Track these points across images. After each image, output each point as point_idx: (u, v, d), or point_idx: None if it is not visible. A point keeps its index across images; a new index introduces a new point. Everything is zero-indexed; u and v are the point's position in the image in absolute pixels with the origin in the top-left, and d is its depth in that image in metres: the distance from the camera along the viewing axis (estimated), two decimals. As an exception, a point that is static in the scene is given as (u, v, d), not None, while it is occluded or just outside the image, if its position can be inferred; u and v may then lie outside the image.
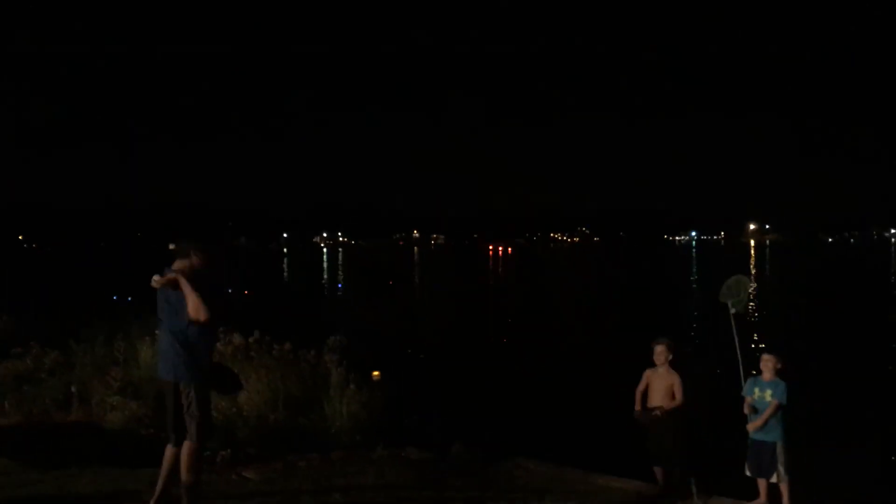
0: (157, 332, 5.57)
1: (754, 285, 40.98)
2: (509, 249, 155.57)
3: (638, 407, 7.03)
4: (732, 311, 7.02)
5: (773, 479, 6.47)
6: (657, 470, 7.01)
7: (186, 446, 5.27)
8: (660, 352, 6.98)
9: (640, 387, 7.07)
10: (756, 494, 6.58)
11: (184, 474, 5.25)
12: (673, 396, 6.87)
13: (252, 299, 32.71)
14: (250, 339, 9.49)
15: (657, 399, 6.94)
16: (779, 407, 6.49)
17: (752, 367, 6.90)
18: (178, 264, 5.41)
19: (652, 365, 7.08)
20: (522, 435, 9.70)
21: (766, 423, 6.50)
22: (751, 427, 6.60)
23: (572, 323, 26.41)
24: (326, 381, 8.71)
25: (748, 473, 6.67)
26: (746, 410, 6.63)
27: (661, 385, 6.94)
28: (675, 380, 6.88)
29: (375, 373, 9.81)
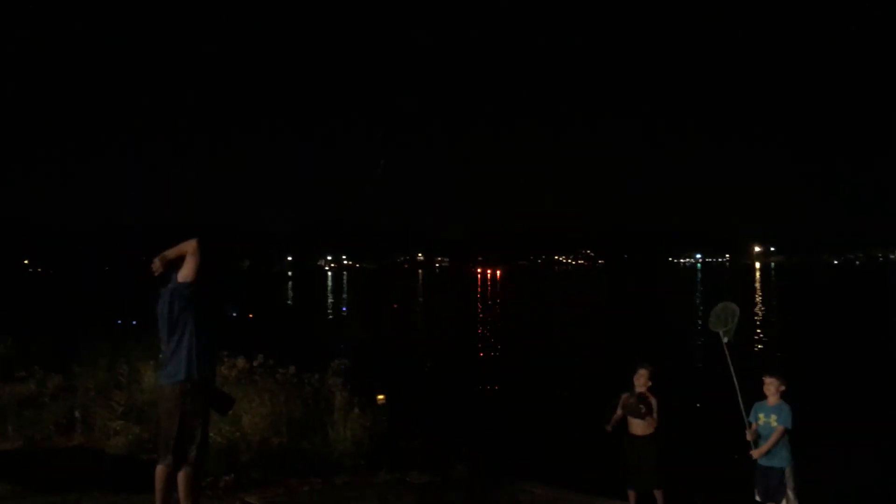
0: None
1: (759, 313, 40.88)
2: (498, 273, 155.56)
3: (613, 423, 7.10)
4: (725, 340, 7.00)
5: None
6: (631, 494, 7.10)
7: (185, 472, 5.14)
8: (642, 375, 7.11)
9: (619, 412, 7.15)
10: None
11: (183, 500, 5.15)
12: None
13: (256, 322, 32.67)
14: (254, 363, 9.47)
15: (635, 422, 7.06)
16: (784, 432, 6.42)
17: (753, 392, 6.88)
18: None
19: (629, 388, 7.18)
20: (526, 458, 9.64)
21: (771, 448, 6.44)
22: (756, 454, 6.53)
23: (574, 346, 26.30)
24: (330, 404, 8.67)
25: (758, 499, 6.59)
26: (749, 437, 6.57)
27: None
28: (652, 402, 7.02)
29: (380, 396, 9.77)
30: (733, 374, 6.79)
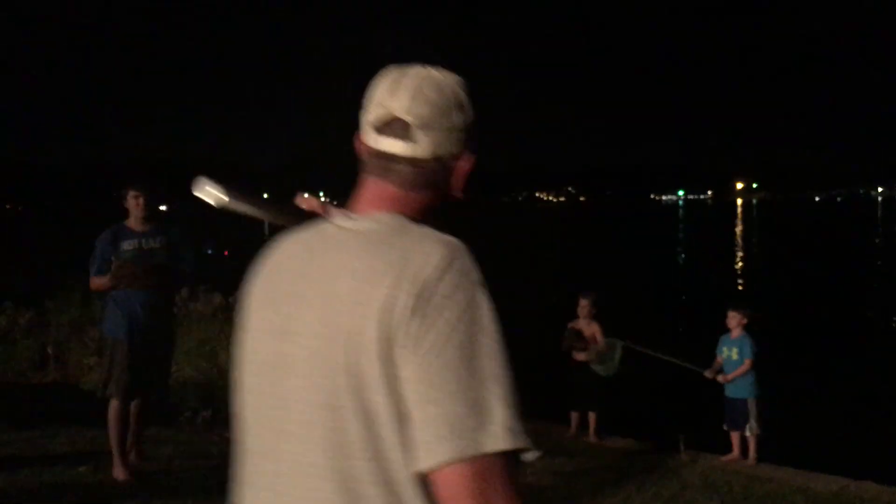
0: None
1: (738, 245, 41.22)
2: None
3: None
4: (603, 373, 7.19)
5: (747, 433, 6.46)
6: (573, 415, 7.36)
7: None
8: (584, 305, 7.37)
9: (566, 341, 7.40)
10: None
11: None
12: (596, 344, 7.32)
13: (231, 259, 32.45)
14: (230, 299, 9.31)
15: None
16: (749, 364, 6.48)
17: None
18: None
19: (574, 317, 7.44)
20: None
21: (734, 379, 6.55)
22: (723, 378, 6.68)
23: (547, 283, 26.32)
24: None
25: (725, 428, 6.69)
26: (710, 375, 6.70)
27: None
28: (595, 329, 7.28)
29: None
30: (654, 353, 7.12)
